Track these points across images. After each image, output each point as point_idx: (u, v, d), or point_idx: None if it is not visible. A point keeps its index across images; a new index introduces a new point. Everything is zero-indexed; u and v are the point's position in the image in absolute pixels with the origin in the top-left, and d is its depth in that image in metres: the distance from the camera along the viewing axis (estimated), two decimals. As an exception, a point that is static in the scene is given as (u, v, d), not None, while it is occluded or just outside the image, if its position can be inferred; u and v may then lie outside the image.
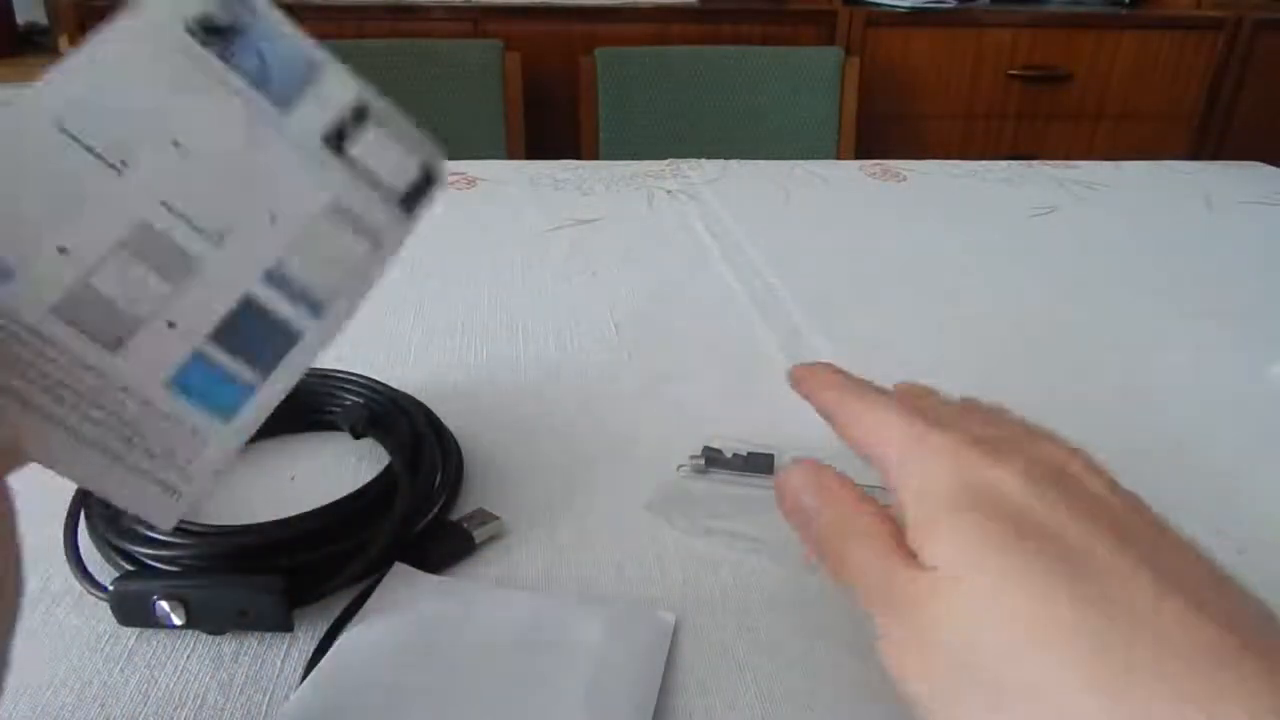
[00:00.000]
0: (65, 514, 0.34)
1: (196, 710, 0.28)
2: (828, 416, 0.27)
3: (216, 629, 0.30)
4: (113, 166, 0.22)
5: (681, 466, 0.39)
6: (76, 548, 0.33)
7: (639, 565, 0.34)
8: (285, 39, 0.24)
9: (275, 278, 0.24)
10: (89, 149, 0.22)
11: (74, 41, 1.61)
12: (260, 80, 0.24)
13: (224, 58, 0.23)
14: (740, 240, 0.69)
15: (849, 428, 0.26)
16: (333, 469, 0.39)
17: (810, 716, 0.28)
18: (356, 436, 0.40)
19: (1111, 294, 0.63)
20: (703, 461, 0.39)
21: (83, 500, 0.34)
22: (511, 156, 1.58)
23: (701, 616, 0.32)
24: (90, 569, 0.32)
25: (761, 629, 0.32)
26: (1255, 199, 0.84)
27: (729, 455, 0.40)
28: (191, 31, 0.23)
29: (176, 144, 0.23)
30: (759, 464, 0.39)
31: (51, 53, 1.81)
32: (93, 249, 0.22)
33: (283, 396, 0.24)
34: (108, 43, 0.22)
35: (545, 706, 0.27)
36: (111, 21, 0.22)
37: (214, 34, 0.23)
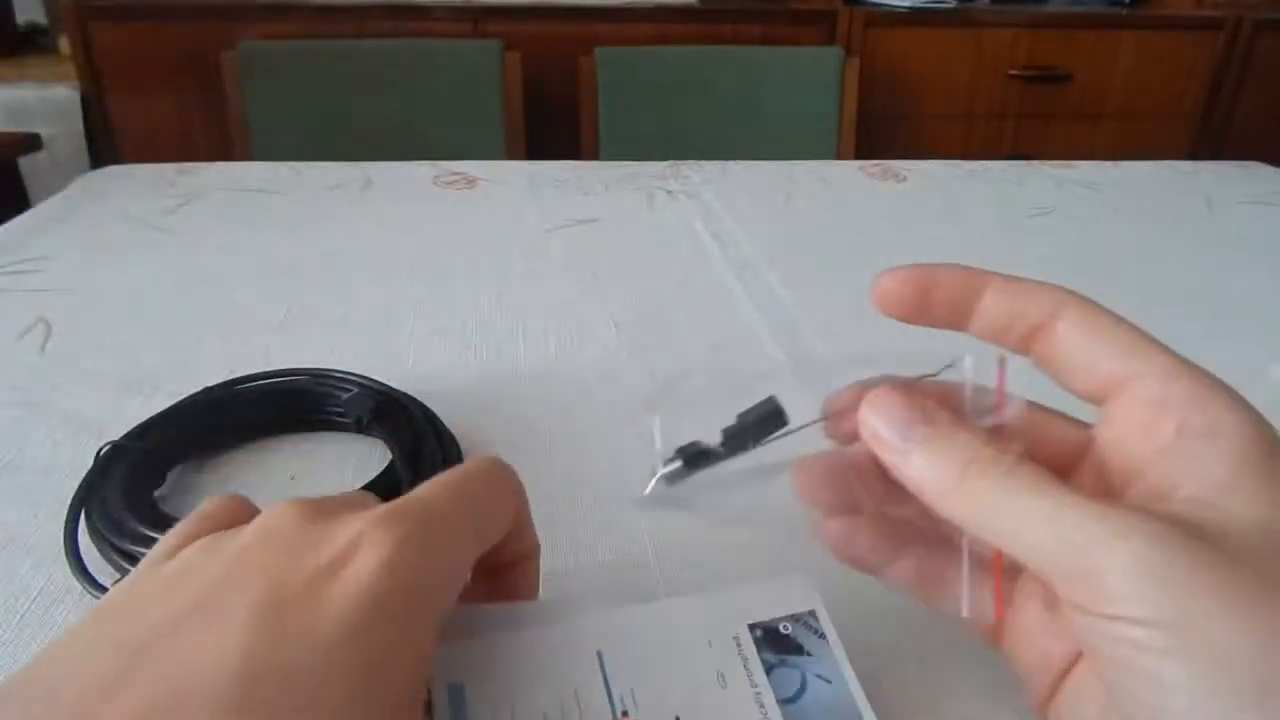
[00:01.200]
0: (65, 514, 0.34)
1: (196, 710, 0.28)
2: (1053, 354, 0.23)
3: (216, 629, 0.30)
4: (613, 708, 0.22)
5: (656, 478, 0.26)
6: (76, 548, 0.33)
7: (639, 565, 0.34)
8: (838, 681, 0.24)
9: None
10: (606, 681, 0.23)
11: (74, 42, 1.61)
12: (787, 702, 0.23)
13: (768, 667, 0.24)
14: (740, 240, 0.69)
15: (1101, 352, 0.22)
16: (332, 469, 0.39)
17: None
18: (360, 428, 0.40)
19: (1111, 294, 0.62)
20: (680, 465, 0.26)
21: (83, 500, 0.34)
22: (511, 156, 1.58)
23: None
24: (90, 569, 0.32)
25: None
26: (1255, 199, 0.84)
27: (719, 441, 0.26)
28: (753, 629, 0.24)
29: (677, 718, 0.23)
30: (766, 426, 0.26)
31: (51, 53, 1.80)
32: None
33: None
34: (670, 609, 0.24)
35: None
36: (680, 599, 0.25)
37: (773, 642, 0.24)
